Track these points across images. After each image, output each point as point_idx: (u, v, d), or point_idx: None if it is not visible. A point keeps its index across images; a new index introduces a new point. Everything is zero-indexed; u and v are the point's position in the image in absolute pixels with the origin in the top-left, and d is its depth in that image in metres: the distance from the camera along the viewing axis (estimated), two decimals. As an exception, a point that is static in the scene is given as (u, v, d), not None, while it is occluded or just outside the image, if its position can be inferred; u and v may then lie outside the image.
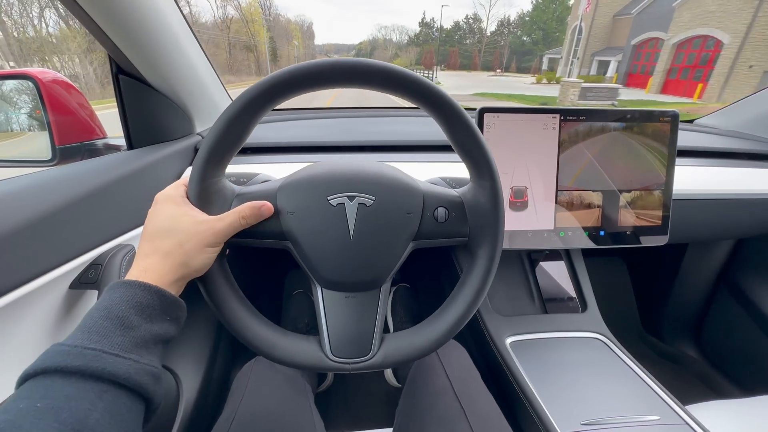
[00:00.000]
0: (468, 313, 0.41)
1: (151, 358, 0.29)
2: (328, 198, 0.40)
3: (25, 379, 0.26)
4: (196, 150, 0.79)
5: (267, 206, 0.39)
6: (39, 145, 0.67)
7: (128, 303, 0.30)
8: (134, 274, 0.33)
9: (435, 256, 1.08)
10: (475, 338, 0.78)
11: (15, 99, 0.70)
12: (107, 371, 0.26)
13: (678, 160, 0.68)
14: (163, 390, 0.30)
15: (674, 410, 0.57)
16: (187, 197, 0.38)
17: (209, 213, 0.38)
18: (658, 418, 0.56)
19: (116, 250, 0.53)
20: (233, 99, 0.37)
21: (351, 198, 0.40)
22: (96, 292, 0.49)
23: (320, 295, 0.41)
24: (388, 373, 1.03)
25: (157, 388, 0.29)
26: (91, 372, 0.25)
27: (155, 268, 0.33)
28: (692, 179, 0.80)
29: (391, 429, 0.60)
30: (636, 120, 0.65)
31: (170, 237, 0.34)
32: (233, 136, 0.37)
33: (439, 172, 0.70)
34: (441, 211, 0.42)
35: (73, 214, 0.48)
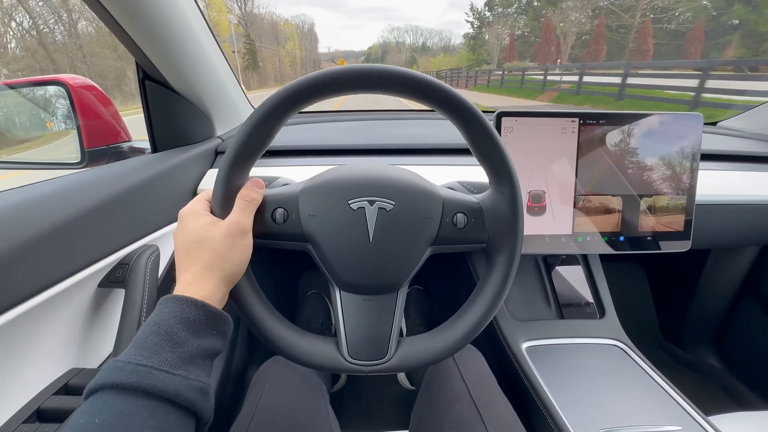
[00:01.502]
0: (485, 320, 0.41)
1: (198, 373, 0.30)
2: (349, 202, 0.40)
3: (89, 394, 0.27)
4: (216, 153, 0.81)
5: (255, 180, 0.41)
6: (69, 147, 0.69)
7: (176, 318, 0.31)
8: (180, 288, 0.34)
9: (449, 259, 1.08)
10: (491, 342, 0.78)
11: (50, 103, 0.74)
12: (157, 387, 0.27)
13: (701, 164, 0.67)
14: (211, 405, 0.31)
15: (696, 421, 0.56)
16: (211, 211, 0.39)
17: None
18: (680, 428, 0.54)
19: (142, 250, 0.55)
20: (253, 104, 0.38)
21: (371, 202, 0.40)
22: (123, 290, 0.51)
23: (338, 298, 0.42)
24: (401, 376, 1.03)
25: (205, 404, 0.30)
26: (143, 388, 0.26)
27: (196, 279, 0.34)
28: (716, 183, 0.78)
29: (406, 431, 0.60)
30: (658, 123, 0.64)
31: (202, 246, 0.36)
32: (258, 140, 0.38)
33: (457, 176, 0.70)
34: (460, 216, 0.42)
35: (102, 216, 0.50)
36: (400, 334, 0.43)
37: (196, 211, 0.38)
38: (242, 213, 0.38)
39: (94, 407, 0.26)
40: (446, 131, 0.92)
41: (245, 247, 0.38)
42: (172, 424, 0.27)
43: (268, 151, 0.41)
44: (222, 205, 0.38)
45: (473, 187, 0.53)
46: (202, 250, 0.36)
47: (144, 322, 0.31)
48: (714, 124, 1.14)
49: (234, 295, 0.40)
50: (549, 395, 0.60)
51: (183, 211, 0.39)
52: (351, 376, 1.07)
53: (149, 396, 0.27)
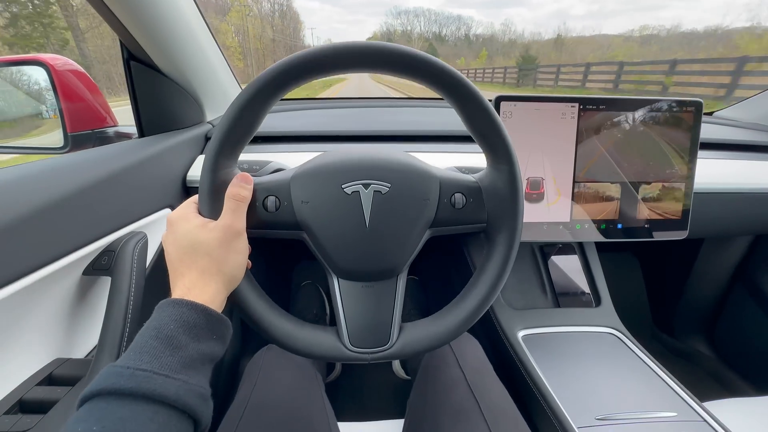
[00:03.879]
0: (487, 301, 0.41)
1: (199, 378, 0.29)
2: (343, 186, 0.39)
3: (84, 400, 0.26)
4: (206, 138, 0.78)
5: (242, 175, 0.38)
6: (52, 131, 0.67)
7: (177, 322, 0.30)
8: (179, 293, 0.33)
9: (445, 249, 1.07)
10: (487, 331, 0.78)
11: (27, 85, 0.70)
12: (158, 393, 0.26)
13: (698, 153, 0.66)
14: (210, 411, 0.30)
15: (691, 407, 0.56)
16: (199, 212, 0.37)
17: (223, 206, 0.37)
18: (675, 414, 0.55)
19: (128, 237, 0.53)
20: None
21: (366, 186, 0.39)
22: (109, 278, 0.49)
23: (337, 286, 0.41)
24: (396, 365, 1.03)
25: (205, 409, 0.29)
26: (142, 393, 0.25)
27: (195, 284, 0.33)
28: (711, 172, 0.78)
29: (400, 420, 0.59)
30: (658, 110, 0.63)
31: (197, 251, 0.34)
32: (245, 124, 0.36)
33: (453, 163, 0.69)
34: (458, 197, 0.41)
35: (86, 201, 0.48)
36: None
37: (185, 215, 0.37)
38: (234, 214, 0.36)
39: (91, 414, 0.25)
40: (441, 118, 0.91)
41: (242, 250, 0.37)
42: (173, 429, 0.26)
43: (260, 138, 0.39)
44: (210, 198, 0.37)
45: (470, 172, 0.52)
46: (198, 254, 0.34)
47: (139, 322, 0.30)
48: (710, 114, 1.14)
49: (233, 296, 0.38)
50: (545, 382, 0.60)
51: (171, 216, 0.37)
52: (346, 366, 1.07)
53: (149, 401, 0.26)
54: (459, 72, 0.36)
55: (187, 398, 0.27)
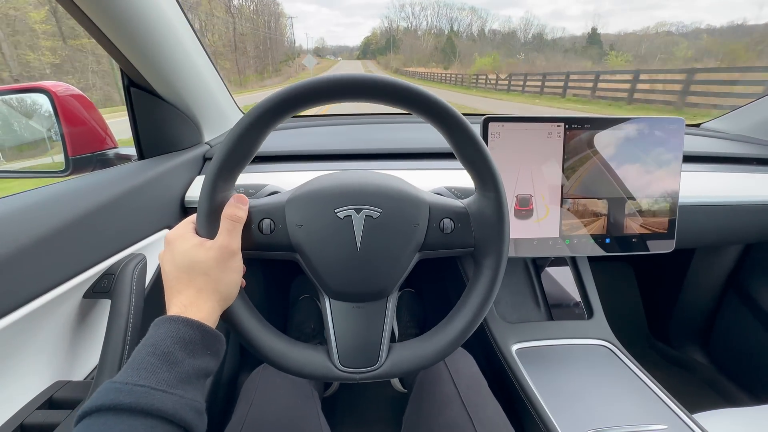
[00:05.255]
0: (474, 323, 0.42)
1: (194, 393, 0.30)
2: (336, 210, 0.40)
3: (82, 417, 0.27)
4: (204, 159, 0.80)
5: (238, 196, 0.40)
6: (54, 156, 0.68)
7: (173, 338, 0.31)
8: (175, 310, 0.34)
9: (440, 262, 1.08)
10: (481, 345, 0.78)
11: (32, 111, 0.72)
12: (155, 407, 0.27)
13: (684, 166, 0.68)
14: (205, 424, 0.31)
15: (682, 419, 0.57)
16: (196, 232, 0.39)
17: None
18: (666, 427, 0.55)
19: (128, 260, 0.54)
20: (242, 109, 0.37)
21: (358, 210, 0.40)
22: (109, 301, 0.50)
23: (328, 306, 0.42)
24: (395, 379, 1.03)
25: (199, 423, 0.30)
26: (140, 409, 0.26)
27: (192, 302, 0.34)
28: (699, 185, 0.80)
29: None
30: (641, 127, 0.65)
31: (194, 270, 0.36)
32: (244, 148, 0.38)
33: (444, 180, 0.70)
34: (447, 222, 0.42)
35: (86, 226, 0.49)
36: (393, 337, 0.43)
37: (183, 234, 0.38)
38: (230, 234, 0.38)
39: (90, 430, 0.26)
40: (433, 134, 0.93)
41: (237, 269, 0.38)
42: None
43: (255, 158, 0.40)
44: (208, 219, 0.38)
45: (461, 193, 0.53)
46: (195, 273, 0.35)
47: (138, 343, 0.31)
48: (697, 125, 1.16)
49: (226, 315, 0.39)
50: (538, 397, 0.61)
51: (170, 235, 0.39)
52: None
53: (147, 416, 0.26)
54: (446, 102, 0.38)
55: (184, 413, 0.28)
